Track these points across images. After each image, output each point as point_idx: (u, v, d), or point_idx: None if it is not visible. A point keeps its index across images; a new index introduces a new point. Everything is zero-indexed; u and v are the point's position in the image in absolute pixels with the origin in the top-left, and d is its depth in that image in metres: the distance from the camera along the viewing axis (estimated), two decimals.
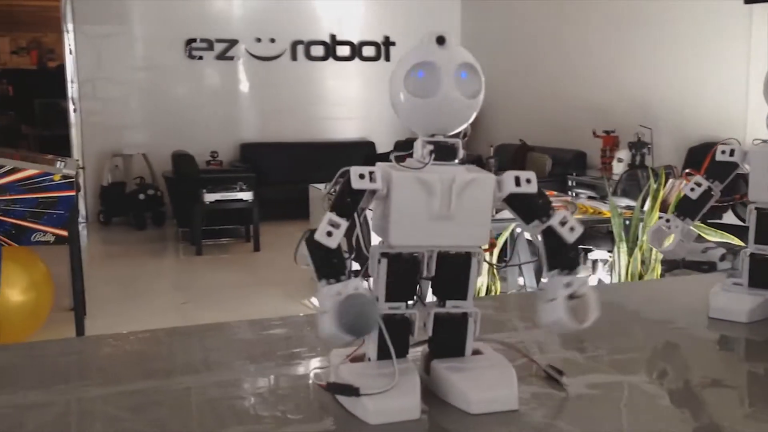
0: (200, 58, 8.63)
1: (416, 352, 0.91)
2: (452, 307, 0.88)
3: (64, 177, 4.17)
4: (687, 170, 1.16)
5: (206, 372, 0.97)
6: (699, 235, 4.43)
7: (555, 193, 4.86)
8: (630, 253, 4.19)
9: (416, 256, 0.85)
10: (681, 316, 1.20)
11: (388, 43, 9.32)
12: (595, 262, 5.33)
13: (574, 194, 5.28)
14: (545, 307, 0.86)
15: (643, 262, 4.19)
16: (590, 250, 5.36)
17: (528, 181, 0.85)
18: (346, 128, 9.14)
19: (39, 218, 4.15)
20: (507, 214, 3.12)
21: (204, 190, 6.79)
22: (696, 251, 5.18)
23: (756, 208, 1.13)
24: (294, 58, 8.97)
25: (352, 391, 0.81)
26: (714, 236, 4.04)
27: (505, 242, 3.89)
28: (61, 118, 8.92)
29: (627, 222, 4.21)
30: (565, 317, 0.83)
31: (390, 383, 0.80)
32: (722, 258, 5.01)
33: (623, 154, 6.52)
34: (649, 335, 1.15)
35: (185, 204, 6.99)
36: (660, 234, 1.17)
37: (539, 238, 0.86)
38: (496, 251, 3.88)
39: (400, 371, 0.82)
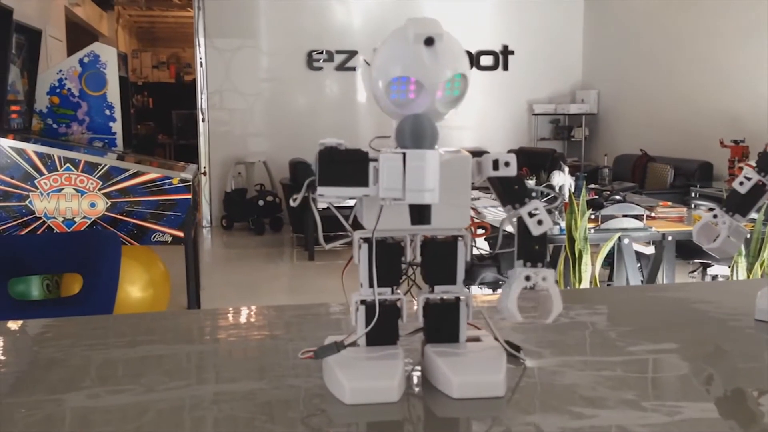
0: (320, 69, 8.89)
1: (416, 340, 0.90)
2: (442, 292, 0.86)
3: (182, 181, 4.41)
4: (741, 164, 1.07)
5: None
6: None
7: (669, 204, 4.63)
8: (750, 268, 3.93)
9: (399, 241, 0.85)
10: (728, 318, 1.13)
11: (506, 52, 9.23)
12: (714, 277, 5.04)
13: (693, 206, 5.01)
14: (501, 294, 0.84)
15: (763, 278, 3.93)
16: (709, 265, 5.07)
17: (507, 164, 0.83)
18: (461, 137, 9.10)
19: (159, 219, 4.41)
20: (611, 224, 3.01)
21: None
22: None
23: None
24: None
25: (338, 346, 0.82)
26: None
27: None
28: (194, 128, 9.43)
29: (748, 236, 3.96)
30: (511, 307, 0.82)
31: (375, 360, 0.80)
32: None
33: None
34: (695, 337, 1.08)
35: (300, 210, 7.20)
36: (707, 230, 1.09)
37: (514, 224, 0.84)
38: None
39: (386, 356, 0.82)
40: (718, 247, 1.08)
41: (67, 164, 4.24)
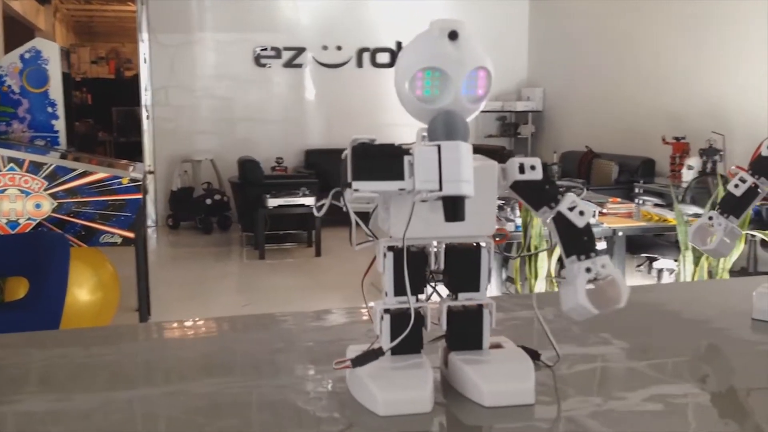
0: (268, 66, 8.79)
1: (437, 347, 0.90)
2: (465, 299, 0.86)
3: (132, 180, 4.31)
4: (733, 167, 1.10)
5: (267, 371, 0.96)
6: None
7: (619, 200, 4.74)
8: (696, 262, 4.05)
9: (424, 249, 0.84)
10: (724, 318, 1.16)
11: None
12: (660, 271, 5.18)
13: (639, 201, 5.14)
14: (565, 293, 0.83)
15: (709, 272, 4.05)
16: (655, 259, 5.21)
17: (532, 167, 0.83)
18: (409, 134, 9.08)
19: (108, 220, 4.29)
20: None
21: (267, 196, 6.90)
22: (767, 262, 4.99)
23: None
24: (360, 65, 9.04)
25: (377, 353, 0.81)
26: None
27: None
28: (136, 125, 9.23)
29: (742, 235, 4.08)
30: (584, 302, 0.81)
31: (404, 369, 0.80)
32: None
33: (694, 161, 6.32)
34: (691, 337, 1.11)
35: (250, 209, 7.12)
36: (702, 232, 1.12)
37: (551, 224, 0.84)
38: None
39: (414, 365, 0.82)
40: (714, 248, 1.11)
41: (11, 164, 4.10)
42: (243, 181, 7.43)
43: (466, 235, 0.84)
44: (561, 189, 0.84)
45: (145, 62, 8.58)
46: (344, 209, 0.80)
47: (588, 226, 0.83)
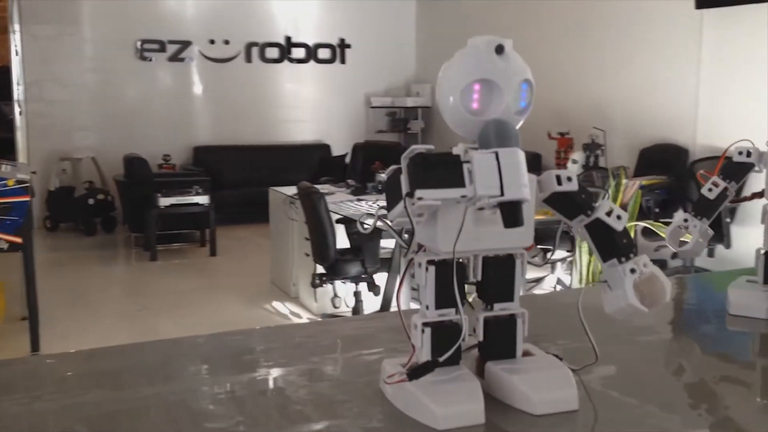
0: (151, 59, 8.47)
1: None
2: (500, 309, 0.87)
3: (19, 182, 4.04)
4: (701, 171, 1.17)
5: (162, 383, 0.95)
6: (655, 233, 4.56)
7: None
8: (591, 252, 4.26)
9: (462, 261, 0.85)
10: (698, 313, 1.22)
11: (343, 45, 9.30)
12: (554, 262, 5.41)
13: None
14: (613, 296, 0.85)
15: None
16: (549, 250, 5.43)
17: (569, 179, 0.85)
18: (301, 131, 9.08)
19: None
20: None
21: (158, 194, 6.66)
22: (648, 249, 5.31)
23: None
24: (248, 60, 8.88)
25: (433, 365, 0.81)
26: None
27: None
28: (3, 121, 8.62)
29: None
30: (635, 303, 0.83)
31: (453, 382, 0.81)
32: (673, 256, 5.14)
33: (578, 155, 6.63)
34: (669, 333, 1.16)
35: (138, 208, 6.83)
36: (677, 234, 1.19)
37: (584, 231, 0.86)
38: None
39: (459, 377, 0.83)
40: (691, 248, 1.17)
41: None
42: (130, 179, 7.13)
43: (506, 247, 0.86)
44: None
45: (16, 54, 8.05)
46: (391, 224, 0.79)
47: (625, 229, 0.85)
